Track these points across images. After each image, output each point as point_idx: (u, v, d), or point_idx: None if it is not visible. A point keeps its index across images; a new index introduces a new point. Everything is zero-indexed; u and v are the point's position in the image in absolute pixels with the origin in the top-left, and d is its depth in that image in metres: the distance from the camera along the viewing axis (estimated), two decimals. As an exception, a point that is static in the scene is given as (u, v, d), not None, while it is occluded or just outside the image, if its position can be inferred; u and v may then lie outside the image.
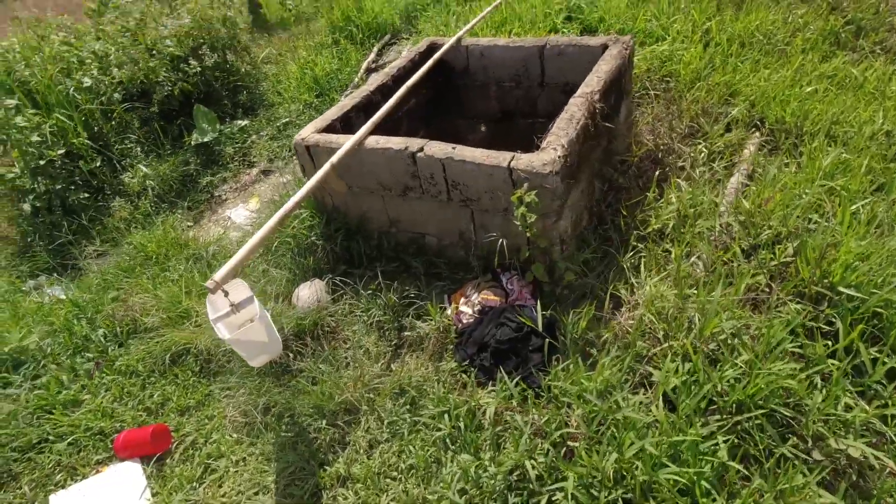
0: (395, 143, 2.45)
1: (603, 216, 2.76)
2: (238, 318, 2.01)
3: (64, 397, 2.48)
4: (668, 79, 3.70)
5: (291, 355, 2.47)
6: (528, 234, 2.12)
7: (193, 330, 2.72)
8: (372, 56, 5.61)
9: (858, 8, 3.77)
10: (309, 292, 2.71)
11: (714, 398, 1.76)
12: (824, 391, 1.77)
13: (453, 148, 2.31)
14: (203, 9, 4.73)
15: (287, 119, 4.95)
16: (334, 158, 2.36)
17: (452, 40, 3.44)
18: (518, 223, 2.09)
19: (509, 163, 2.15)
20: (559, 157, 2.11)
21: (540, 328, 2.08)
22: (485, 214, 2.41)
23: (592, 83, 2.59)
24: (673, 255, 2.36)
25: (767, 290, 2.14)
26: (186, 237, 3.66)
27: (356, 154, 2.54)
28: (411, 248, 2.83)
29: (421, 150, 2.38)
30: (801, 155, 2.87)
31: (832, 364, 1.81)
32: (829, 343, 1.87)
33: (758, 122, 3.26)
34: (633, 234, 2.56)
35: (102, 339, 2.74)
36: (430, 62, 3.18)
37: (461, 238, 2.61)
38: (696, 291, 2.07)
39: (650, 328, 2.07)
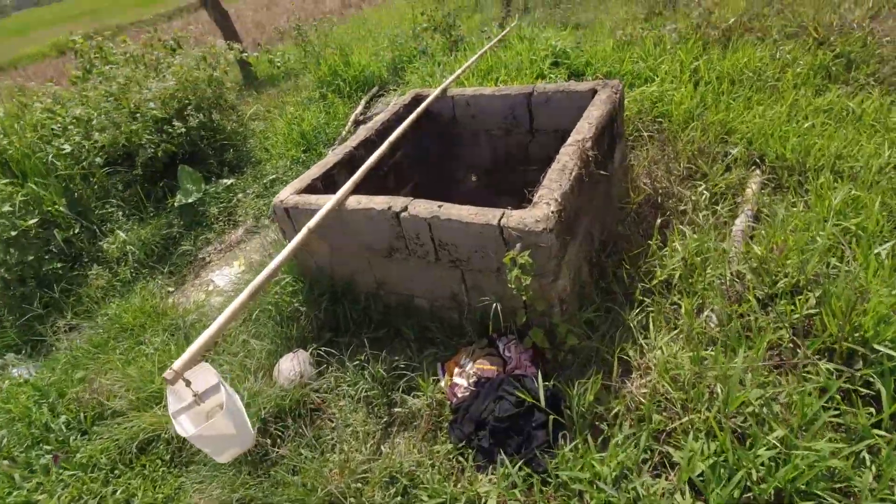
0: (378, 202, 2.30)
1: (604, 268, 2.58)
2: (203, 408, 1.79)
3: (15, 499, 2.22)
4: (661, 120, 3.61)
5: (270, 441, 2.23)
6: (523, 298, 1.94)
7: (164, 413, 2.48)
8: (360, 108, 5.60)
9: (846, 42, 3.73)
10: (291, 365, 2.50)
11: (749, 485, 1.52)
12: (873, 467, 1.54)
13: (439, 206, 2.16)
14: (189, 70, 4.73)
15: (274, 175, 4.86)
16: (311, 223, 2.21)
17: (437, 91, 3.37)
18: (512, 286, 1.91)
19: (499, 220, 1.99)
20: (552, 212, 1.95)
21: (542, 402, 1.86)
22: (476, 275, 2.23)
23: (584, 130, 2.47)
24: (683, 310, 2.16)
25: (792, 346, 1.94)
26: (166, 305, 3.46)
27: (338, 215, 2.39)
28: (400, 311, 2.63)
29: (405, 209, 2.22)
30: (808, 192, 2.72)
31: (879, 436, 1.58)
32: (872, 411, 1.65)
33: (757, 160, 3.14)
34: (637, 286, 2.38)
35: (64, 427, 2.50)
36: (413, 115, 3.09)
37: (453, 300, 2.42)
38: (712, 353, 1.86)
39: (666, 397, 1.84)
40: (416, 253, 2.32)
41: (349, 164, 2.93)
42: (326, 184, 2.79)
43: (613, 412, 1.85)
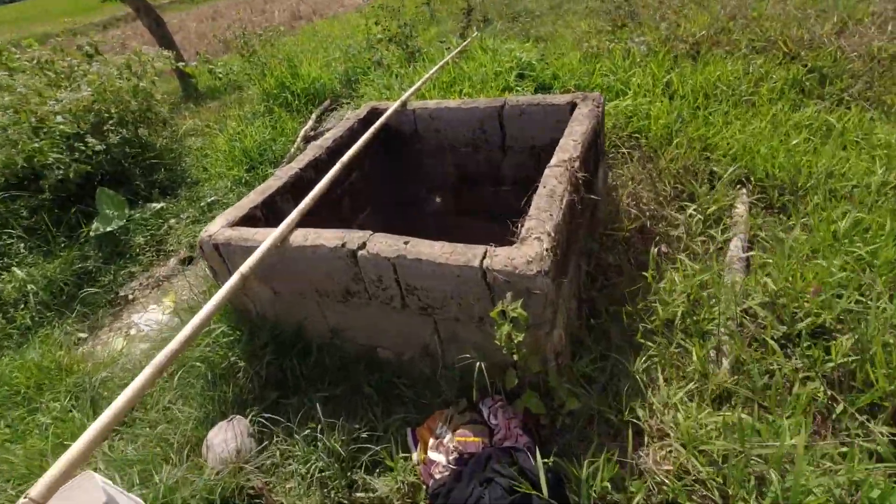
0: (329, 238, 1.88)
1: (595, 305, 2.25)
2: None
3: None
4: (637, 135, 3.38)
5: (193, 549, 1.73)
6: (514, 357, 1.56)
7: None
8: (310, 123, 5.14)
9: (816, 56, 3.65)
10: (225, 439, 2.01)
11: None
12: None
13: (405, 242, 1.76)
14: (110, 79, 4.14)
15: (213, 198, 4.32)
16: (246, 266, 1.76)
17: (396, 104, 2.99)
18: (501, 344, 1.53)
19: (481, 261, 1.61)
20: (546, 250, 1.60)
21: (544, 490, 1.48)
22: (452, 324, 1.84)
23: (569, 148, 2.15)
24: (695, 357, 1.85)
25: (829, 399, 1.65)
26: (73, 358, 2.86)
27: (281, 253, 1.95)
28: (361, 364, 2.20)
29: (362, 247, 1.81)
30: (803, 214, 2.51)
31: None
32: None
33: (743, 179, 2.93)
34: (639, 326, 2.06)
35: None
36: (370, 130, 2.69)
37: (424, 352, 2.01)
38: (747, 416, 1.54)
39: (696, 478, 1.50)
40: (377, 297, 1.91)
41: (296, 188, 2.49)
42: (268, 213, 2.34)
43: (635, 501, 1.48)
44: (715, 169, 2.93)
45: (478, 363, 1.72)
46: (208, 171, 4.65)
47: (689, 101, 3.48)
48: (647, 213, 2.62)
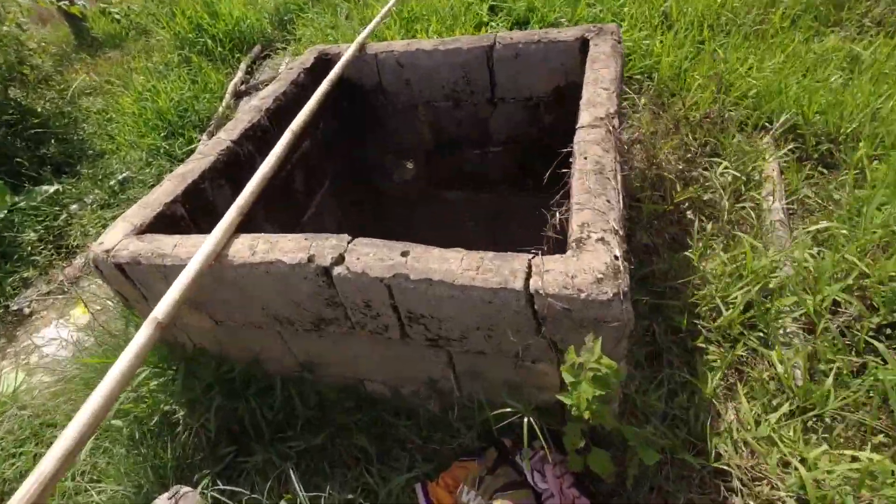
0: (288, 249, 1.29)
1: (636, 304, 1.81)
2: None
3: None
4: (638, 77, 2.87)
5: None
6: (586, 417, 1.08)
7: None
8: (239, 75, 4.27)
9: (829, -25, 3.21)
10: (167, 526, 1.46)
11: None
12: None
13: (404, 254, 1.21)
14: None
15: (125, 174, 3.49)
16: (160, 313, 1.15)
17: (352, 48, 2.31)
18: (571, 404, 1.05)
19: (526, 281, 1.09)
20: (617, 257, 1.10)
21: None
22: (477, 358, 1.33)
23: (601, 99, 1.61)
24: (779, 368, 1.45)
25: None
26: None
27: (217, 272, 1.35)
28: (344, 402, 1.68)
29: (339, 261, 1.24)
30: (853, 166, 2.13)
31: None
32: None
33: (766, 125, 2.52)
34: (700, 328, 1.64)
35: None
36: (323, 86, 2.02)
37: (431, 388, 1.51)
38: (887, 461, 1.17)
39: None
40: (364, 326, 1.37)
41: (230, 168, 1.83)
42: (194, 208, 1.69)
43: None
44: (777, 123, 2.47)
45: (526, 419, 1.24)
46: (115, 141, 3.77)
47: (692, 35, 2.98)
48: (674, 175, 2.16)
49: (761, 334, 1.64)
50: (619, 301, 1.04)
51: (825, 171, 2.24)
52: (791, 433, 1.35)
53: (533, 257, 1.14)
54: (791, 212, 2.13)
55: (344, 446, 1.64)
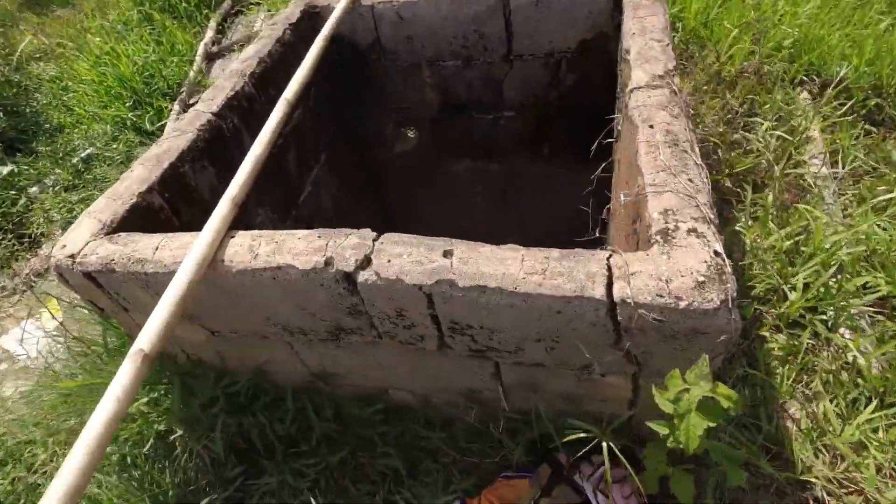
0: (299, 250, 1.05)
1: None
2: None
3: None
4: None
5: None
6: (691, 453, 0.89)
7: None
8: (209, 34, 3.85)
9: None
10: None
11: None
12: None
13: (446, 255, 0.98)
14: None
15: (89, 150, 3.13)
16: (146, 343, 0.91)
17: (344, 1, 1.98)
18: (674, 439, 0.86)
19: (608, 287, 0.88)
20: (717, 254, 0.89)
21: None
22: (531, 370, 1.14)
23: (655, 54, 1.36)
24: (863, 366, 1.29)
25: None
26: None
27: (215, 280, 1.10)
28: (367, 413, 1.48)
29: (365, 265, 1.01)
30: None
31: None
32: None
33: (804, 78, 2.30)
34: (758, 313, 1.47)
35: None
36: (317, 45, 1.72)
37: (470, 399, 1.32)
38: None
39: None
40: (394, 336, 1.15)
41: (212, 145, 1.55)
42: (174, 196, 1.42)
43: None
44: (771, 68, 2.26)
45: (605, 444, 1.05)
46: (73, 113, 3.38)
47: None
48: (717, 138, 1.94)
49: (823, 318, 1.47)
50: (727, 310, 0.84)
51: (873, 128, 2.05)
52: (882, 435, 1.20)
53: (610, 255, 0.93)
54: (836, 176, 1.95)
55: (368, 461, 1.46)
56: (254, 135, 1.66)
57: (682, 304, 0.84)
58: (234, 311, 1.21)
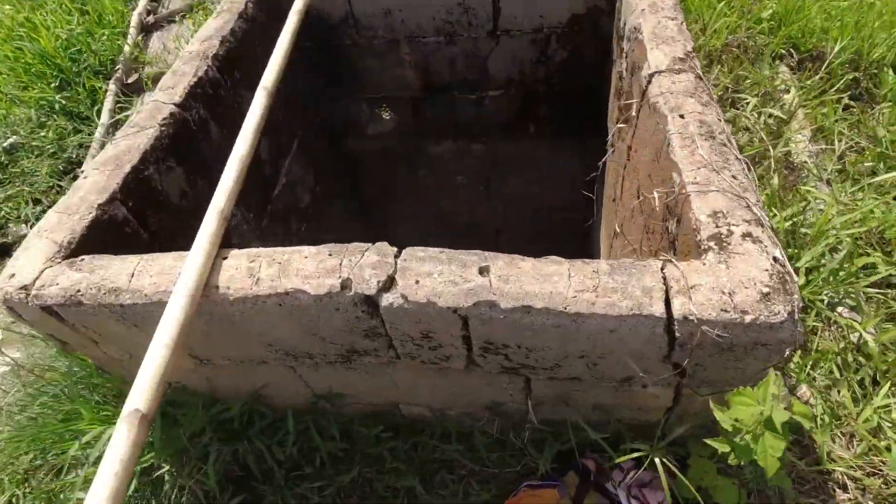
0: (309, 273, 0.91)
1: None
2: None
3: None
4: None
5: None
6: (770, 476, 0.85)
7: None
8: (143, 3, 3.44)
9: None
10: None
11: None
12: None
13: (483, 273, 0.87)
14: None
15: (11, 140, 2.76)
16: (142, 392, 0.76)
17: (312, -35, 1.77)
18: (729, 455, 0.81)
19: (666, 304, 0.81)
20: (777, 260, 0.83)
21: None
22: (565, 384, 1.07)
23: (672, 33, 1.28)
24: (873, 348, 1.31)
25: None
26: None
27: (206, 306, 0.95)
28: (376, 430, 1.38)
29: (387, 287, 0.89)
30: (885, 98, 1.98)
31: None
32: None
33: (784, 52, 2.30)
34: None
35: None
36: (291, 22, 1.53)
37: (492, 412, 1.25)
38: None
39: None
40: (415, 357, 1.05)
41: (178, 141, 1.35)
42: (139, 202, 1.22)
43: None
44: (755, 42, 2.23)
45: (657, 461, 1.00)
46: (-11, 96, 2.95)
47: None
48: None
49: (821, 299, 1.49)
50: (792, 322, 0.79)
51: (852, 103, 2.07)
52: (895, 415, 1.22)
53: (664, 265, 0.85)
54: (822, 152, 1.97)
55: (378, 479, 1.37)
56: (223, 126, 1.48)
57: (748, 319, 0.78)
58: (229, 339, 1.06)
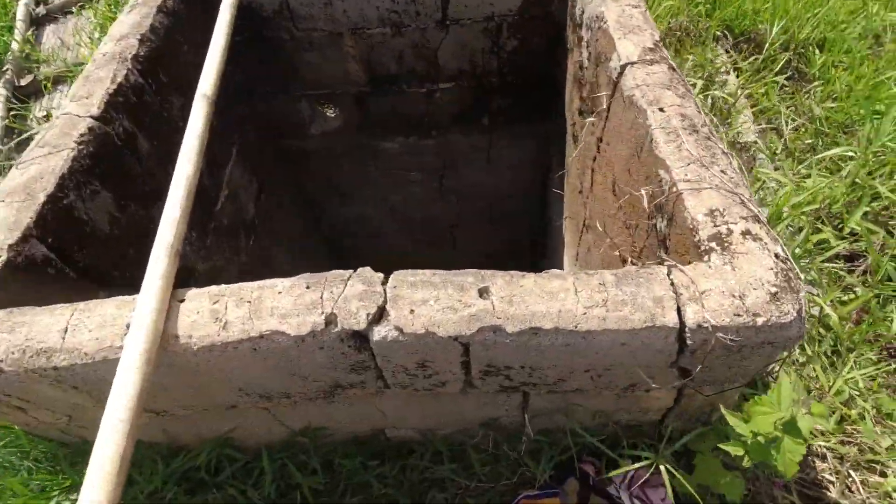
0: (286, 311, 0.80)
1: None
2: None
3: None
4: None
5: None
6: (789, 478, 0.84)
7: None
8: (31, -8, 3.02)
9: None
10: None
11: None
12: None
13: (483, 295, 0.80)
14: None
15: None
16: (97, 490, 0.63)
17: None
18: (744, 459, 0.80)
19: (679, 314, 0.77)
20: (778, 257, 0.82)
21: None
22: (567, 396, 1.02)
23: (638, 22, 1.25)
24: (835, 322, 1.37)
25: None
26: None
27: (163, 357, 0.81)
28: (360, 458, 1.28)
29: (378, 317, 0.80)
30: (816, 77, 2.08)
31: None
32: None
33: (717, 33, 2.37)
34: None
35: None
36: (226, 16, 1.36)
37: (488, 427, 1.19)
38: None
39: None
40: (407, 386, 0.97)
41: (100, 160, 1.17)
42: (61, 235, 1.04)
43: None
44: (695, 26, 2.28)
45: (663, 469, 0.98)
46: None
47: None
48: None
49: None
50: (800, 319, 0.78)
51: (786, 82, 2.17)
52: (863, 385, 1.29)
53: (670, 271, 0.82)
54: (761, 132, 2.05)
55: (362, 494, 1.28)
56: (154, 138, 1.30)
57: (760, 321, 0.77)
58: (192, 389, 0.93)
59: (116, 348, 0.78)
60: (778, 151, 1.81)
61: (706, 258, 0.83)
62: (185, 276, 1.51)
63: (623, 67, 1.16)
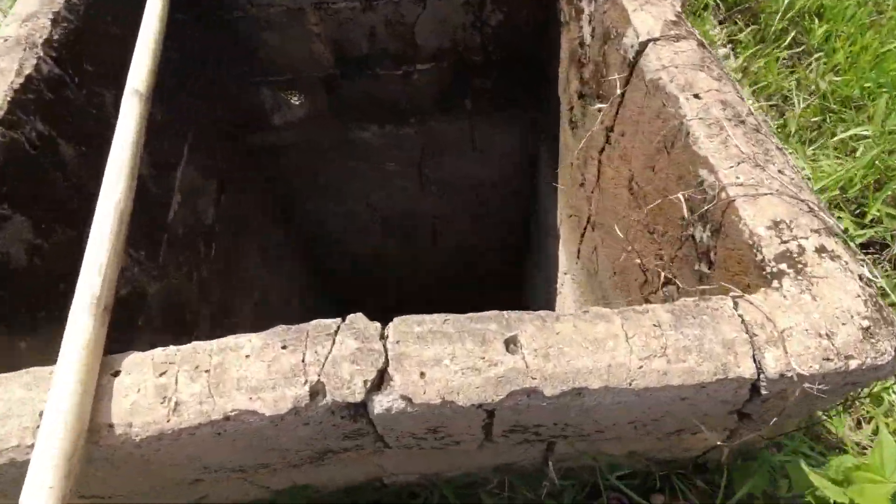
0: (259, 385, 0.61)
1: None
2: None
3: None
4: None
5: None
6: None
7: None
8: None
9: None
10: None
11: None
12: None
13: (511, 348, 0.63)
14: None
15: None
16: None
17: None
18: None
19: (758, 365, 0.62)
20: (862, 279, 0.68)
21: None
22: (599, 444, 0.87)
23: (655, -7, 1.06)
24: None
25: None
26: None
27: (96, 453, 0.61)
28: (353, 510, 1.12)
29: (378, 384, 0.62)
30: (816, 49, 1.96)
31: None
32: None
33: (714, 3, 2.21)
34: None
35: None
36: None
37: (503, 472, 1.03)
38: None
39: None
40: (412, 447, 0.80)
41: (12, 177, 0.93)
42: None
43: None
44: None
45: None
46: None
47: None
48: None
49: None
50: (894, 357, 0.64)
51: (784, 54, 2.04)
52: None
53: (736, 303, 0.66)
54: (763, 109, 1.92)
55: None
56: (79, 142, 1.07)
57: (854, 365, 0.62)
58: (142, 475, 0.73)
59: (25, 448, 0.58)
60: (792, 133, 1.68)
61: (776, 283, 0.68)
62: (136, 301, 1.29)
63: (643, 45, 0.98)
